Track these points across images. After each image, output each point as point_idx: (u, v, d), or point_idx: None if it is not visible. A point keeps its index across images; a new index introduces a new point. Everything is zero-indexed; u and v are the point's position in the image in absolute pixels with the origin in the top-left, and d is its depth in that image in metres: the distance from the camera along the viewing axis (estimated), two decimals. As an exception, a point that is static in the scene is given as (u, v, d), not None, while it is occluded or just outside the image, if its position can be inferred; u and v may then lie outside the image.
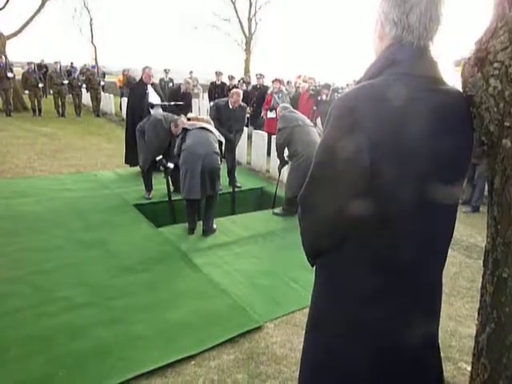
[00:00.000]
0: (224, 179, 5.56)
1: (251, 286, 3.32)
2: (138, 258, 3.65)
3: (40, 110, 11.95)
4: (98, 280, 3.26)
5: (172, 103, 6.91)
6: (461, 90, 1.17)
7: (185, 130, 4.34)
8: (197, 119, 4.61)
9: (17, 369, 2.26)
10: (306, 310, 1.32)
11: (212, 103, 7.65)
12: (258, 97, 9.53)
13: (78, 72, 13.91)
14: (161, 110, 6.30)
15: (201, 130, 4.29)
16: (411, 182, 0.99)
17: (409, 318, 1.08)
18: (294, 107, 6.08)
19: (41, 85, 12.06)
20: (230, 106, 5.82)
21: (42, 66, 15.99)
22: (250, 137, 8.10)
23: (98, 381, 2.21)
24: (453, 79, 1.20)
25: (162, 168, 5.11)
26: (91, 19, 25.26)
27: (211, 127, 4.45)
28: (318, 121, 8.42)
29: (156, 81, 7.97)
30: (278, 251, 4.06)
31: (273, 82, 8.84)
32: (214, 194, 4.33)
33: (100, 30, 43.47)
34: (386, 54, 1.06)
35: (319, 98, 8.48)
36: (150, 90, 6.44)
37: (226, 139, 4.82)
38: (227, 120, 5.83)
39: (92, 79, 12.70)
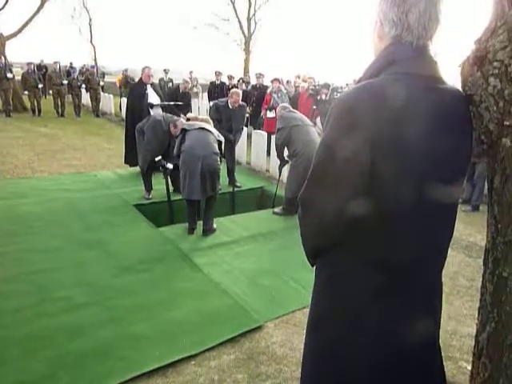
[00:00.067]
0: (224, 179, 5.56)
1: (251, 285, 3.32)
2: (138, 258, 3.65)
3: (40, 111, 11.96)
4: (98, 280, 3.26)
5: (171, 103, 6.91)
6: (460, 89, 1.17)
7: (184, 131, 4.34)
8: (196, 119, 4.61)
9: (17, 369, 2.26)
10: (307, 310, 1.32)
11: (212, 103, 7.65)
12: (257, 96, 9.54)
13: (77, 72, 13.94)
14: (160, 110, 6.30)
15: (200, 131, 4.29)
16: (411, 182, 0.99)
17: (409, 317, 1.08)
18: (293, 107, 6.07)
19: (40, 85, 12.08)
20: (230, 106, 5.82)
21: (41, 67, 16.01)
22: (249, 136, 8.09)
23: (97, 381, 2.20)
24: (454, 78, 1.20)
25: (161, 169, 5.11)
26: (90, 19, 25.20)
27: (210, 127, 4.45)
28: (318, 120, 8.41)
29: (155, 81, 7.96)
30: (278, 251, 4.06)
31: (272, 81, 8.83)
32: (214, 195, 4.34)
33: (99, 30, 43.65)
34: (385, 53, 1.06)
35: (318, 97, 8.46)
36: (150, 90, 6.43)
37: (225, 139, 4.82)
38: (227, 120, 5.83)
39: (91, 79, 12.69)
